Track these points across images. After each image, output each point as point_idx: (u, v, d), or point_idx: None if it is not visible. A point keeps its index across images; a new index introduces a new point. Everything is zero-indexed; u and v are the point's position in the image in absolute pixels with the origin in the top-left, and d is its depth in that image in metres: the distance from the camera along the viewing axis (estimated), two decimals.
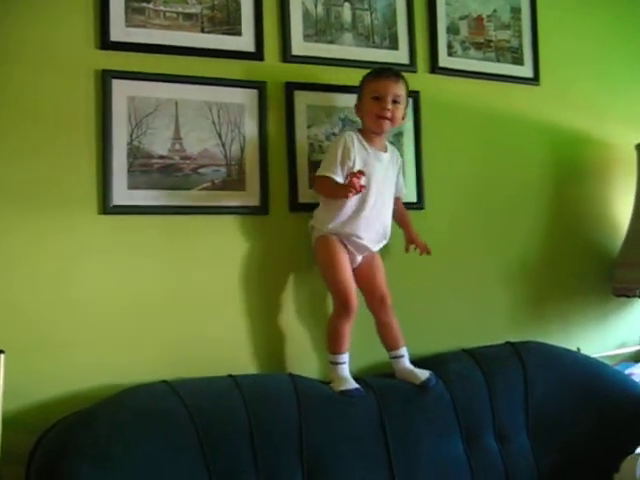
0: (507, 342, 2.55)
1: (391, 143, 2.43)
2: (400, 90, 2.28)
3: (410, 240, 2.38)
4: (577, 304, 2.88)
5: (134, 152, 2.18)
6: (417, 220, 2.48)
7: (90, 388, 2.09)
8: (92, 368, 2.11)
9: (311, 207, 2.34)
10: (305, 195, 2.38)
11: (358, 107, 2.32)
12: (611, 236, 2.94)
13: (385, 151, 2.33)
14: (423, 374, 2.30)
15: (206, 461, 1.92)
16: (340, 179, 2.21)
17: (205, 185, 2.26)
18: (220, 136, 2.29)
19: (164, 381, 2.08)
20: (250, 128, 2.33)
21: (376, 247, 2.31)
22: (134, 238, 2.19)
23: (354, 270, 2.29)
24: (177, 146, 2.24)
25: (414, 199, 2.55)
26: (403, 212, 2.43)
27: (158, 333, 2.20)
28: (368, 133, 2.30)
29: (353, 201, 2.21)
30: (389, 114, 2.25)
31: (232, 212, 2.30)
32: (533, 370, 2.43)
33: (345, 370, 2.25)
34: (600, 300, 2.91)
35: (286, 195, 2.36)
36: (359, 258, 2.30)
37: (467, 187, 2.68)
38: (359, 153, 2.25)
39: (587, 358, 2.62)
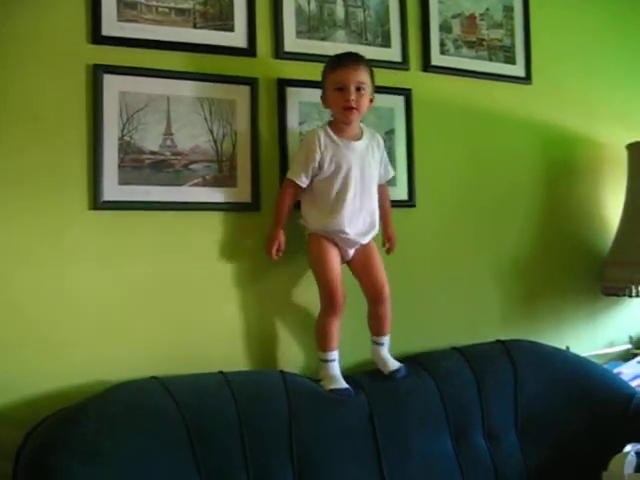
0: (497, 340, 2.55)
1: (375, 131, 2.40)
2: (362, 76, 2.20)
3: (387, 236, 2.38)
4: (567, 303, 2.90)
5: (125, 147, 2.17)
6: (408, 218, 2.49)
7: (80, 384, 2.08)
8: (82, 364, 2.10)
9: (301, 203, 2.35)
10: None
11: (324, 99, 2.27)
12: (601, 235, 2.96)
13: (359, 138, 2.27)
14: (394, 365, 2.30)
15: (196, 458, 1.92)
16: (303, 183, 2.22)
17: (196, 181, 2.26)
18: (212, 132, 2.29)
19: (154, 377, 2.07)
20: (242, 124, 2.32)
21: (365, 239, 2.27)
22: (125, 234, 2.18)
23: (348, 263, 2.30)
24: (168, 142, 2.23)
25: (405, 197, 2.55)
26: (384, 202, 2.37)
27: (149, 329, 2.19)
28: (338, 124, 2.25)
29: (331, 196, 2.21)
30: (354, 104, 2.18)
31: (223, 208, 2.29)
32: (523, 368, 2.44)
33: (335, 368, 2.25)
34: (590, 299, 2.93)
35: (278, 191, 2.35)
36: (351, 252, 2.29)
37: (458, 185, 2.68)
38: (327, 148, 2.20)
39: (576, 357, 2.63)
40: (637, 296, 2.73)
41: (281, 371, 2.23)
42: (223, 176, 2.29)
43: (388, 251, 2.37)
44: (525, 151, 2.83)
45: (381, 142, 2.35)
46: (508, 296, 2.77)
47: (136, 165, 2.19)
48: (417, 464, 2.18)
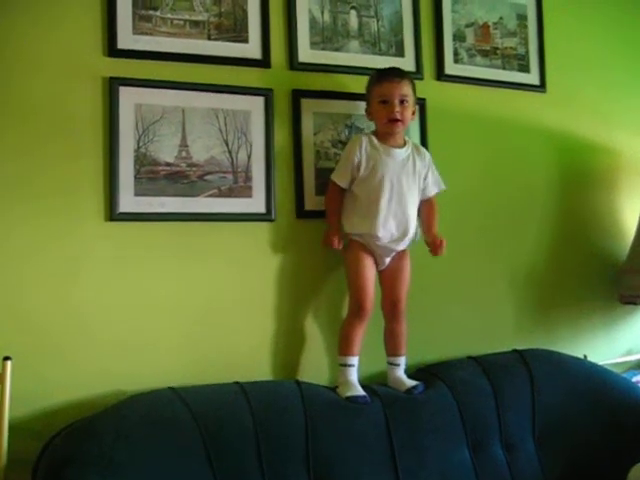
0: (514, 349, 2.54)
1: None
2: (405, 90, 2.28)
3: (430, 238, 2.37)
4: (584, 311, 2.87)
5: (141, 159, 2.19)
6: None
7: (96, 395, 2.09)
8: (98, 374, 2.11)
9: (317, 214, 2.36)
10: (311, 202, 2.39)
11: (368, 112, 2.34)
12: (617, 243, 2.94)
13: (401, 147, 2.33)
14: (410, 383, 2.32)
15: (212, 469, 1.92)
16: (344, 184, 2.29)
17: (211, 192, 2.27)
18: (227, 143, 2.30)
19: (170, 388, 2.08)
20: (257, 135, 2.33)
21: (400, 246, 2.32)
22: (140, 245, 2.19)
23: (382, 272, 2.34)
24: (184, 153, 2.25)
25: None
26: (429, 214, 2.41)
27: (163, 340, 2.20)
28: (382, 135, 2.32)
29: (366, 199, 2.26)
30: (399, 116, 2.26)
31: (238, 219, 2.30)
32: (540, 378, 2.43)
33: (352, 374, 2.27)
34: (607, 307, 2.91)
35: (292, 202, 2.36)
36: (387, 260, 2.33)
37: (473, 194, 2.67)
38: (367, 153, 2.27)
39: (594, 366, 2.61)
40: None
41: (297, 381, 2.23)
42: (238, 187, 2.30)
43: (434, 252, 2.35)
44: (540, 159, 2.82)
45: (427, 157, 2.39)
46: (524, 305, 2.75)
47: (152, 177, 2.20)
48: (433, 474, 2.16)
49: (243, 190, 2.31)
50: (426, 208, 2.40)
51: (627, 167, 2.96)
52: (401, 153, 2.31)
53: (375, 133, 2.33)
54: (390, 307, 2.33)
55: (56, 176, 2.11)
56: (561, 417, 2.39)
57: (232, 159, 2.30)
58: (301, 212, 2.38)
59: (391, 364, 2.36)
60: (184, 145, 2.24)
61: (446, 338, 2.55)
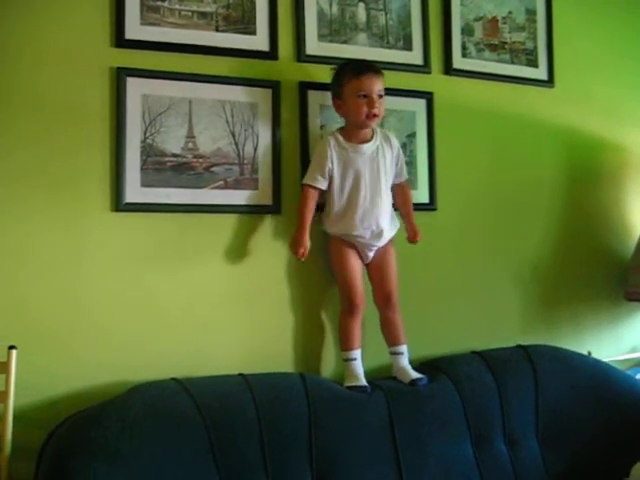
0: (518, 345, 2.54)
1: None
2: (381, 84, 2.27)
3: (410, 229, 2.37)
4: (589, 308, 2.87)
5: (147, 150, 2.19)
6: (429, 221, 2.48)
7: (100, 385, 2.10)
8: (103, 365, 2.12)
9: (324, 207, 2.35)
10: None
11: (339, 105, 2.30)
12: (624, 240, 2.94)
13: (369, 140, 2.31)
14: (415, 374, 2.32)
15: (215, 460, 1.93)
16: (322, 184, 2.27)
17: (218, 184, 2.27)
18: (233, 135, 2.30)
19: (174, 379, 2.08)
20: (263, 127, 2.33)
21: (381, 241, 2.31)
22: (146, 236, 2.20)
23: (368, 265, 2.34)
24: (190, 144, 2.24)
25: (426, 200, 2.55)
26: (404, 200, 2.40)
27: (168, 331, 2.21)
28: (352, 129, 2.30)
29: (343, 199, 2.27)
30: (377, 111, 2.25)
31: (244, 211, 2.30)
32: (544, 374, 2.43)
33: (357, 367, 2.29)
34: (612, 304, 2.90)
35: (299, 194, 2.35)
36: (370, 254, 2.32)
37: (480, 189, 2.67)
38: (336, 154, 2.26)
39: (598, 362, 2.61)
40: None
41: (300, 373, 2.23)
42: (244, 179, 2.30)
43: (412, 241, 2.35)
44: (547, 155, 2.82)
45: (395, 143, 2.37)
46: (528, 300, 2.75)
47: (158, 167, 2.20)
48: (436, 469, 2.17)
49: (249, 182, 2.31)
50: (400, 195, 2.39)
51: (635, 164, 2.95)
52: (369, 147, 2.30)
53: (341, 130, 2.32)
54: (383, 300, 2.34)
55: (63, 166, 2.11)
56: (564, 413, 2.39)
57: (239, 151, 2.30)
58: None
59: (394, 353, 2.36)
60: (191, 136, 2.24)
61: (450, 333, 2.55)
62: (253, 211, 2.31)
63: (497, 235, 2.70)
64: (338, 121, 2.37)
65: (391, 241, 2.35)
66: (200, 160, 2.25)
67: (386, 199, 2.31)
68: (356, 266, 2.30)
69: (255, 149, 2.32)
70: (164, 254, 2.21)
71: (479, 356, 2.46)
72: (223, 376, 2.14)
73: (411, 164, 2.46)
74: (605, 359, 2.69)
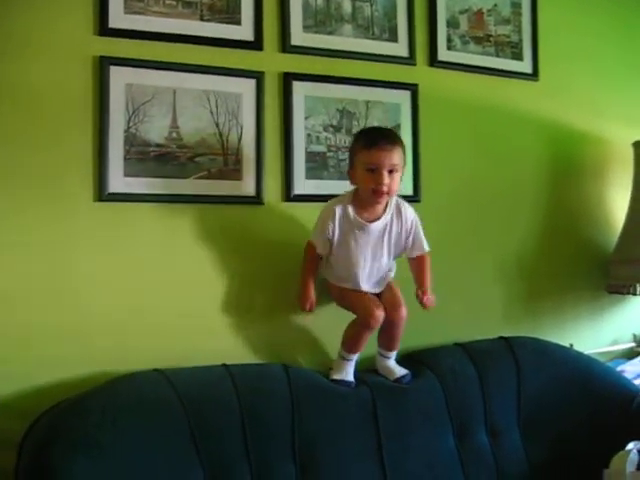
0: (500, 337, 2.55)
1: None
2: (396, 158, 2.12)
3: (420, 292, 2.26)
4: (571, 300, 2.89)
5: (131, 140, 2.17)
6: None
7: (82, 375, 2.08)
8: (85, 354, 2.11)
9: (306, 198, 2.37)
10: (301, 186, 2.38)
11: (351, 174, 2.19)
12: (606, 233, 2.95)
13: (379, 218, 2.20)
14: (400, 372, 2.30)
15: (198, 450, 1.92)
16: (320, 249, 2.24)
17: (201, 174, 2.26)
18: (217, 125, 2.29)
19: (157, 370, 2.07)
20: (248, 118, 2.32)
21: (380, 289, 2.30)
22: (129, 226, 2.18)
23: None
24: (174, 134, 2.23)
25: (410, 192, 2.54)
26: (418, 272, 2.30)
27: (151, 321, 2.20)
28: (363, 202, 2.19)
29: (343, 265, 2.24)
30: (386, 188, 2.11)
31: (227, 202, 2.29)
32: (526, 365, 2.44)
33: (350, 366, 2.27)
34: (594, 297, 2.92)
35: (282, 186, 2.36)
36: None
37: (464, 181, 2.68)
38: (340, 226, 2.19)
39: (580, 354, 2.63)
40: None
41: (284, 364, 2.22)
42: (228, 169, 2.29)
43: (422, 305, 2.25)
44: (531, 147, 2.83)
45: (410, 220, 2.25)
46: (511, 293, 2.77)
47: (142, 157, 2.19)
48: (419, 460, 2.18)
49: (233, 173, 2.30)
50: (414, 266, 2.31)
51: (617, 158, 2.96)
52: (377, 226, 2.20)
53: (354, 198, 2.20)
54: (393, 312, 2.25)
55: (45, 157, 2.08)
56: (546, 404, 2.41)
57: (222, 141, 2.29)
58: (289, 196, 2.37)
59: (383, 355, 2.34)
60: (175, 126, 2.23)
61: (434, 324, 2.54)
62: (236, 202, 2.30)
63: (481, 227, 2.71)
64: (322, 111, 2.37)
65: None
66: (184, 150, 2.24)
67: (390, 260, 2.28)
68: (365, 293, 2.27)
69: (239, 140, 2.31)
70: (147, 244, 2.20)
71: (462, 348, 2.47)
72: (206, 367, 2.14)
73: None
74: (587, 351, 2.71)
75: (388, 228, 2.22)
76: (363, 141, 2.15)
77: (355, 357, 2.28)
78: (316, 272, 2.29)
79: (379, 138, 2.13)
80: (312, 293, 2.25)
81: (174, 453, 1.91)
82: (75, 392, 1.99)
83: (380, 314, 2.20)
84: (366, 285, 2.25)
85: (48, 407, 1.94)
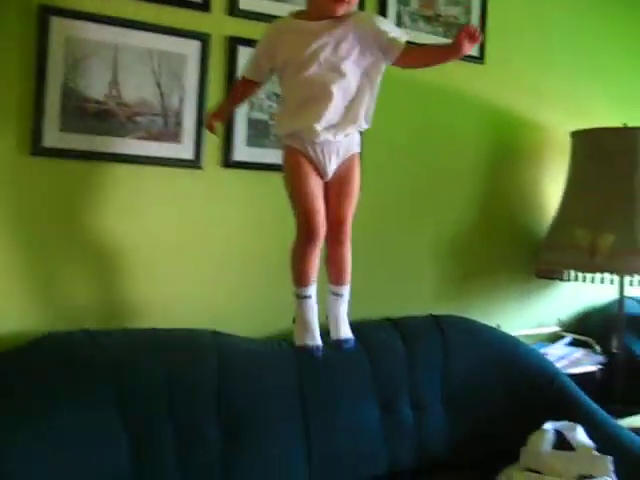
0: (430, 315, 2.59)
1: None
2: None
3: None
4: (501, 283, 2.96)
5: (68, 94, 2.11)
6: None
7: (7, 332, 2.04)
8: (8, 313, 2.06)
9: (246, 165, 2.36)
10: (242, 153, 2.36)
11: None
12: (539, 219, 3.02)
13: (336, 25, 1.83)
14: (346, 332, 2.02)
15: (122, 415, 1.91)
16: (256, 76, 1.98)
17: (140, 134, 2.21)
18: (159, 85, 2.24)
19: (85, 330, 2.05)
20: (191, 80, 2.28)
21: (339, 135, 1.89)
22: (65, 183, 2.13)
23: (326, 184, 1.94)
24: (114, 92, 2.18)
25: None
26: (422, 55, 1.92)
27: (80, 278, 2.16)
28: (312, 15, 1.86)
29: (298, 91, 1.88)
30: None
31: (166, 164, 2.25)
32: (453, 343, 2.49)
33: (311, 308, 1.96)
34: (523, 281, 3.00)
35: (222, 151, 2.33)
36: (331, 167, 1.92)
37: (401, 160, 2.69)
38: (283, 35, 1.88)
39: (506, 335, 2.69)
40: (568, 280, 2.81)
41: (214, 330, 2.21)
42: (168, 131, 2.25)
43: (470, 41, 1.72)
44: (471, 131, 2.86)
45: (370, 17, 1.89)
46: (444, 272, 2.81)
47: (79, 113, 2.13)
48: (344, 429, 2.21)
49: (172, 135, 2.26)
50: (412, 59, 1.87)
51: (555, 145, 3.02)
52: (326, 25, 1.84)
53: (297, 15, 1.90)
54: (334, 227, 1.93)
55: None
56: (471, 382, 2.46)
57: (163, 102, 2.24)
58: (228, 162, 2.35)
59: (334, 294, 2.02)
60: (115, 83, 2.18)
61: (366, 299, 2.54)
62: (175, 164, 2.27)
63: (416, 207, 2.74)
64: None
65: (355, 156, 1.97)
66: (123, 108, 2.19)
67: (353, 84, 1.87)
68: (316, 183, 1.89)
69: (180, 102, 2.27)
70: (81, 202, 2.15)
71: (392, 323, 2.50)
72: (134, 329, 2.12)
73: None
74: (513, 333, 2.77)
75: (347, 27, 1.83)
76: None
77: (310, 291, 1.96)
78: (238, 98, 2.08)
79: None
80: (224, 111, 2.08)
81: (99, 416, 1.89)
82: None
83: (323, 223, 1.89)
84: (318, 120, 1.84)
85: None
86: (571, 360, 2.82)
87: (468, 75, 2.82)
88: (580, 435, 2.25)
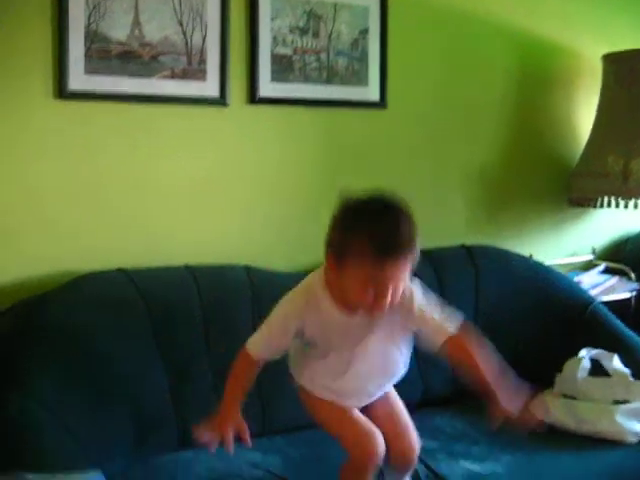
0: (462, 245, 2.59)
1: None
2: (404, 270, 1.53)
3: (494, 409, 1.56)
4: (533, 212, 2.93)
5: (92, 36, 2.11)
6: (379, 119, 2.47)
7: (41, 275, 2.08)
8: (47, 255, 2.10)
9: (271, 101, 2.35)
10: (266, 89, 2.35)
11: (332, 266, 1.55)
12: (571, 146, 2.97)
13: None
14: None
15: (160, 350, 1.96)
16: (265, 354, 1.65)
17: (165, 73, 2.21)
18: (181, 24, 2.23)
19: (120, 269, 2.08)
20: (212, 17, 2.26)
21: (380, 393, 1.73)
22: (91, 125, 2.14)
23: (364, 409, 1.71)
24: (137, 32, 2.17)
25: (377, 98, 2.52)
26: (463, 357, 1.62)
27: (114, 221, 2.19)
28: (345, 301, 1.59)
29: (332, 365, 1.65)
30: (388, 304, 1.52)
31: (191, 102, 2.26)
32: (485, 273, 2.49)
33: None
34: (556, 209, 2.96)
35: (247, 87, 2.32)
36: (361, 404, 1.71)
37: (431, 89, 2.66)
38: (317, 315, 1.60)
39: (539, 264, 2.68)
40: (602, 207, 2.77)
41: (246, 265, 2.23)
42: (192, 69, 2.25)
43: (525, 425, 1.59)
44: (500, 58, 2.80)
45: (417, 299, 1.66)
46: (475, 202, 2.79)
47: (103, 55, 2.13)
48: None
49: (197, 73, 2.25)
50: (453, 353, 1.65)
51: (586, 70, 2.95)
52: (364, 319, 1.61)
53: (331, 289, 1.60)
54: (403, 460, 1.69)
55: (2, 53, 2.02)
56: (503, 311, 2.47)
57: (186, 40, 2.23)
58: (254, 98, 2.33)
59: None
60: (137, 23, 2.17)
61: None
62: (200, 102, 2.27)
63: (446, 136, 2.71)
64: (289, 13, 2.32)
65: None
66: (147, 48, 2.18)
67: (393, 356, 1.70)
68: (349, 408, 1.66)
69: (203, 39, 2.25)
70: (109, 143, 2.17)
71: (423, 254, 2.48)
72: (168, 267, 2.15)
73: (362, 61, 2.42)
74: (546, 262, 2.76)
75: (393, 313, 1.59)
76: (372, 243, 1.48)
77: None
78: (247, 384, 1.67)
79: (396, 244, 1.51)
80: (235, 416, 1.61)
81: (137, 351, 1.95)
82: (33, 293, 1.99)
83: (382, 447, 1.62)
84: (354, 394, 1.67)
85: (9, 305, 1.95)
86: (605, 288, 2.80)
87: (496, 1, 2.75)
88: (616, 362, 2.25)
